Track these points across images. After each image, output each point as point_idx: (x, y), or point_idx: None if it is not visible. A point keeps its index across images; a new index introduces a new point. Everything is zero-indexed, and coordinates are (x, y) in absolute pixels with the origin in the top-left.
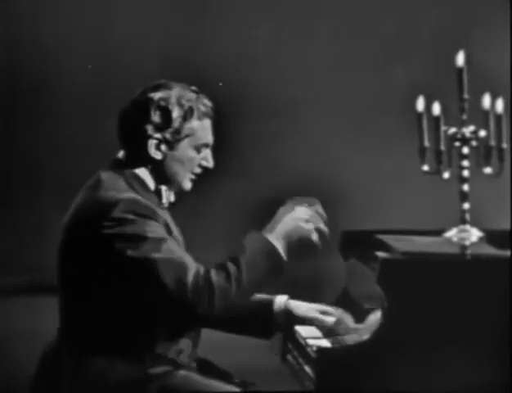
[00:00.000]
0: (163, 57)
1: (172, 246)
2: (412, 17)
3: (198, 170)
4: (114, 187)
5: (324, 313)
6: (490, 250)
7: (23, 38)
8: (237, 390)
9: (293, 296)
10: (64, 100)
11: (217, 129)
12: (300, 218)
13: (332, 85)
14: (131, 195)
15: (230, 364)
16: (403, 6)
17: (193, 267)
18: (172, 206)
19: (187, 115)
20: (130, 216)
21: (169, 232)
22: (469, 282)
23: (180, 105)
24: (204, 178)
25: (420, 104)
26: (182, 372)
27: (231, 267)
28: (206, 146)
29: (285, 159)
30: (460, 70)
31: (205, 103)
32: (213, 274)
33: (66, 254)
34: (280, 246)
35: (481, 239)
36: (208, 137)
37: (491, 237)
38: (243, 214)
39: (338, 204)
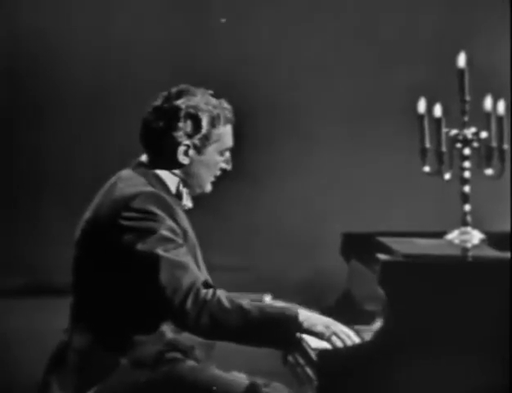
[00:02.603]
0: (164, 58)
1: (181, 249)
2: (413, 19)
3: (218, 173)
4: (136, 183)
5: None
6: (491, 252)
7: (24, 38)
8: (246, 380)
9: (294, 297)
10: (65, 100)
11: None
12: (330, 324)
13: (333, 86)
14: (152, 189)
15: (230, 366)
16: (404, 8)
17: (194, 275)
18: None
19: (215, 121)
20: (150, 208)
21: (185, 234)
22: (471, 284)
23: (209, 112)
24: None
25: (422, 105)
26: (192, 362)
27: (245, 301)
28: (229, 149)
29: (286, 160)
30: (461, 72)
31: (228, 108)
32: (219, 292)
33: (83, 248)
34: (302, 321)
35: (482, 241)
36: (231, 141)
37: (492, 238)
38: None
39: (339, 206)
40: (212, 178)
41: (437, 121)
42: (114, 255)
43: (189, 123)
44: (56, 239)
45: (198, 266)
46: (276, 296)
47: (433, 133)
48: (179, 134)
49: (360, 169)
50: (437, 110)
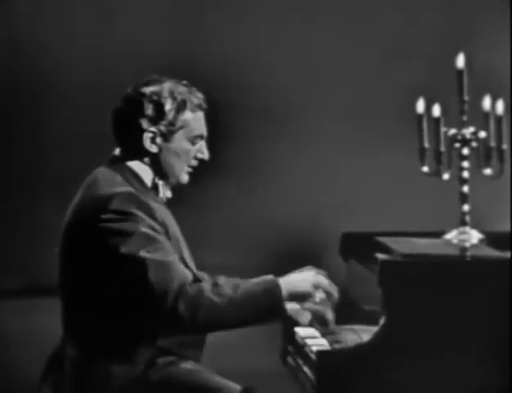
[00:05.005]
0: (162, 58)
1: (164, 247)
2: (413, 19)
3: (194, 163)
4: (111, 183)
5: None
6: (490, 252)
7: (24, 39)
8: (238, 386)
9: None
10: (64, 101)
11: (217, 126)
12: (310, 279)
13: (333, 86)
14: (127, 188)
15: (230, 367)
16: (404, 8)
17: (181, 275)
18: (172, 203)
19: (180, 107)
20: (128, 209)
21: (166, 229)
22: (470, 283)
23: (173, 97)
24: (205, 175)
25: (421, 105)
26: (186, 365)
27: (228, 287)
28: (201, 137)
29: (284, 158)
30: (460, 72)
31: (197, 95)
32: (205, 287)
33: (67, 254)
34: (283, 289)
35: (481, 241)
36: (202, 129)
37: (491, 238)
38: (245, 213)
39: (338, 205)
40: (186, 168)
41: (436, 121)
42: (98, 259)
43: (151, 108)
44: (56, 239)
45: (184, 261)
46: None
47: (431, 132)
48: (143, 121)
49: (359, 168)
50: (436, 110)
